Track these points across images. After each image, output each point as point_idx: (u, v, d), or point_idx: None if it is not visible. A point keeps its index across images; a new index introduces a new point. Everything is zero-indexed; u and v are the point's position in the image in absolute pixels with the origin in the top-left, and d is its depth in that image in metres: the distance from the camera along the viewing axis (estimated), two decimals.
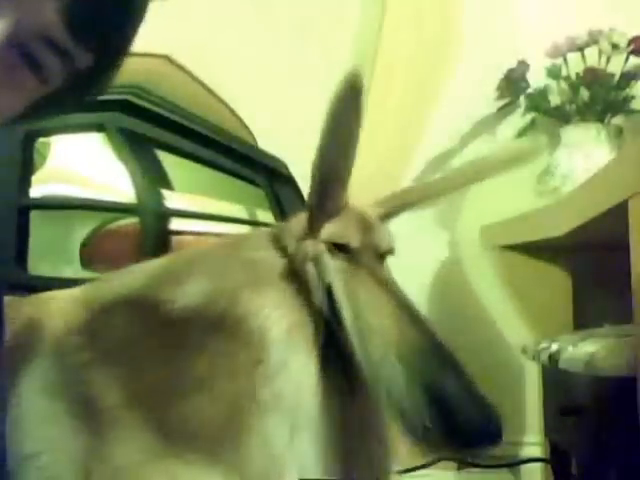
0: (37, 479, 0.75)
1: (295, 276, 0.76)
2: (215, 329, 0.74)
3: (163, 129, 1.30)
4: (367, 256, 0.75)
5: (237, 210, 1.36)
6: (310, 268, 0.75)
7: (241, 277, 0.77)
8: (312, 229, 0.77)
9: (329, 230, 0.76)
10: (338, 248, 0.75)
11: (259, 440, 0.71)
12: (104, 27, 0.61)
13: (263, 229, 0.97)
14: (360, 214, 0.78)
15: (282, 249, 0.78)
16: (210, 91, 1.49)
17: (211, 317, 0.75)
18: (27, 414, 0.76)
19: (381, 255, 0.76)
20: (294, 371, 0.72)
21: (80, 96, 0.69)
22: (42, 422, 0.76)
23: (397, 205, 0.83)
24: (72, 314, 0.81)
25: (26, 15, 0.58)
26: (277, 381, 0.72)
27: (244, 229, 1.34)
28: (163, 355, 0.75)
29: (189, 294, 0.76)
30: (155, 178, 1.31)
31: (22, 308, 0.84)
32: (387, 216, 0.82)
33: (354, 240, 0.75)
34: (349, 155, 0.71)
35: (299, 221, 0.79)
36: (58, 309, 0.82)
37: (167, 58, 1.38)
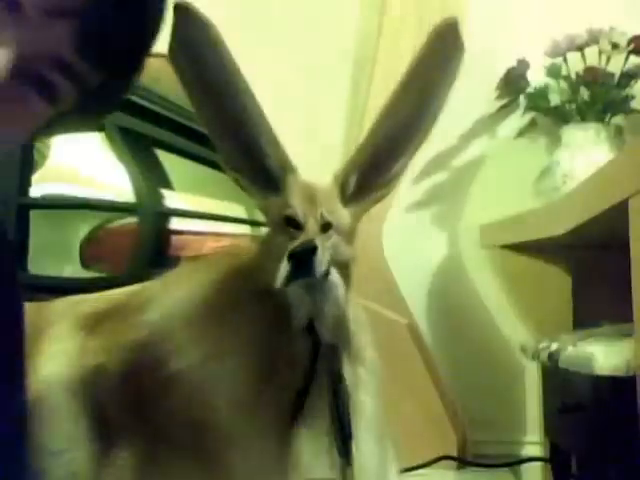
0: (59, 477, 0.75)
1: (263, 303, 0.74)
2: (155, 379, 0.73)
3: (163, 128, 1.30)
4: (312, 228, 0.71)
5: (237, 210, 1.36)
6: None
7: (188, 312, 0.75)
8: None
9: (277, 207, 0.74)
10: (288, 223, 0.72)
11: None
12: (116, 47, 0.59)
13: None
14: (304, 185, 0.75)
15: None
16: None
17: (148, 362, 0.74)
18: (52, 412, 0.77)
19: (323, 226, 0.73)
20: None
21: (92, 116, 0.66)
22: (64, 420, 0.77)
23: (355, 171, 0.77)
24: (91, 318, 0.82)
25: (35, 37, 0.55)
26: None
27: (244, 229, 1.34)
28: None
29: (144, 325, 0.75)
30: (155, 177, 1.31)
31: (46, 310, 0.85)
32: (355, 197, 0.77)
33: (300, 212, 0.72)
34: None
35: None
36: (82, 311, 0.83)
37: (167, 57, 1.37)
